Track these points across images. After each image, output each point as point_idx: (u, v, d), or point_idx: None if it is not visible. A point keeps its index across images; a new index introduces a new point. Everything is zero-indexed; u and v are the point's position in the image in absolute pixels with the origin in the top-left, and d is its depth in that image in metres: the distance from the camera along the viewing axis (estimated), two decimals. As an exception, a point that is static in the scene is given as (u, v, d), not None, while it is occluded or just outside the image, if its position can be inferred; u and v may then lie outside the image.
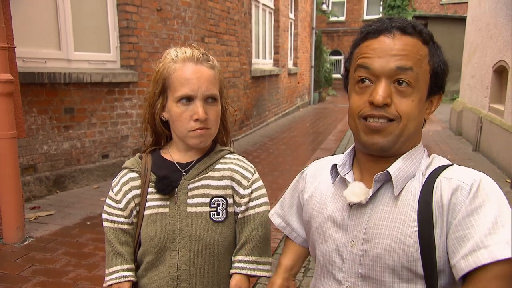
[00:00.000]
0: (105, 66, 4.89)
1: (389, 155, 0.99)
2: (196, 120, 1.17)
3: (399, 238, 0.92)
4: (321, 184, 1.13)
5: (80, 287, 2.64)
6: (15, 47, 3.27)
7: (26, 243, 3.23)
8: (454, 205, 0.88)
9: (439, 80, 0.97)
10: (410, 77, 0.91)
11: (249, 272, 1.24)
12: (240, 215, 1.25)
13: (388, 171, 0.96)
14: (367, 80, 0.95)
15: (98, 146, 4.79)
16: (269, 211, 1.30)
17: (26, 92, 3.85)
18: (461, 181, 0.89)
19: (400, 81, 0.92)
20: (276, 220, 1.28)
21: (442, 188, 0.91)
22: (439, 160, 1.01)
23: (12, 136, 3.13)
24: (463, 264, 0.83)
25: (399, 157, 0.98)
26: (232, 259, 1.25)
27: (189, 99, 1.18)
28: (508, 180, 5.21)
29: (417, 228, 0.90)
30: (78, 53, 4.59)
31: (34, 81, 3.96)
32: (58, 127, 4.33)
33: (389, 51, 0.92)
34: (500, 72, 6.53)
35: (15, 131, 3.16)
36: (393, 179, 0.95)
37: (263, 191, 1.30)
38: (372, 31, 0.97)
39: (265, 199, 1.29)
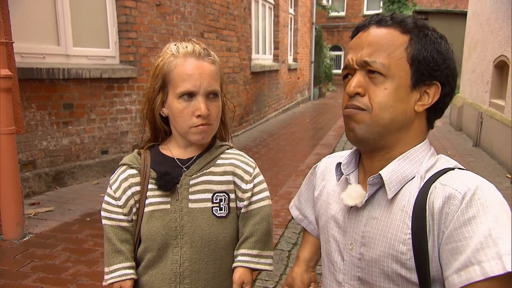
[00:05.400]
0: (104, 62, 4.87)
1: (376, 149, 0.97)
2: (198, 116, 1.16)
3: (393, 245, 0.90)
4: (329, 182, 1.12)
5: (80, 283, 2.63)
6: (13, 42, 3.25)
7: (25, 239, 3.22)
8: (446, 214, 0.84)
9: (424, 68, 0.93)
10: (378, 67, 0.92)
11: (252, 266, 1.23)
12: (243, 210, 1.25)
13: (380, 174, 0.94)
14: (350, 75, 0.99)
15: (97, 142, 4.78)
16: (270, 205, 1.30)
17: (24, 87, 3.83)
18: (454, 189, 0.85)
19: (372, 71, 0.93)
20: (294, 212, 1.31)
21: (436, 195, 0.87)
22: (444, 163, 0.96)
23: (11, 132, 3.11)
24: (456, 279, 0.80)
25: (391, 154, 0.96)
26: (235, 253, 1.25)
27: (190, 95, 1.16)
28: (508, 176, 5.21)
29: (410, 236, 0.88)
30: (77, 49, 4.57)
31: (32, 77, 3.95)
32: (57, 123, 4.32)
33: (361, 44, 0.96)
34: (500, 67, 6.51)
35: (14, 127, 3.15)
36: (385, 182, 0.93)
37: (265, 185, 1.30)
38: (354, 31, 1.01)
39: (267, 193, 1.29)
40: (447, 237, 0.83)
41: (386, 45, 0.93)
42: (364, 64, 0.94)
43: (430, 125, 1.01)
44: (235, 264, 1.23)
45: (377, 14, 0.99)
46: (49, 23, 4.30)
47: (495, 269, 0.76)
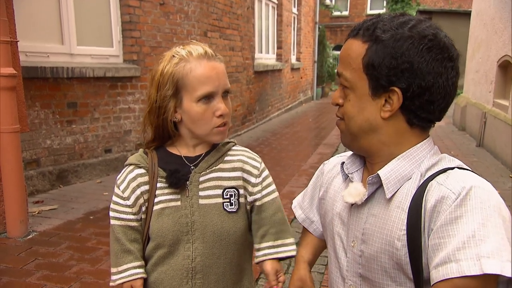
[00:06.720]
0: (107, 61, 4.88)
1: (363, 153, 1.02)
2: (219, 116, 1.19)
3: (389, 241, 0.91)
4: (336, 180, 1.14)
5: (83, 281, 2.65)
6: (18, 41, 3.27)
7: (29, 237, 3.24)
8: (438, 213, 0.85)
9: (379, 76, 0.91)
10: (343, 79, 0.98)
11: (280, 255, 1.27)
12: (257, 203, 1.27)
13: (378, 174, 0.94)
14: None
15: (101, 140, 4.80)
16: (278, 196, 1.33)
17: (29, 86, 3.85)
18: (449, 189, 0.85)
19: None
20: (297, 212, 1.32)
21: (432, 193, 0.87)
22: (446, 162, 0.95)
23: (15, 131, 3.13)
24: (434, 274, 0.82)
25: (382, 157, 0.97)
26: (257, 247, 1.28)
27: (209, 96, 1.18)
28: (511, 176, 5.19)
29: (405, 232, 0.88)
30: (81, 48, 4.58)
31: (37, 76, 3.96)
32: (61, 122, 4.34)
33: (340, 56, 1.02)
34: (504, 67, 6.49)
35: (18, 125, 3.16)
36: (383, 182, 0.94)
37: (271, 179, 1.34)
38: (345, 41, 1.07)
39: (274, 186, 1.33)
40: (433, 233, 0.85)
41: (349, 57, 0.96)
42: (340, 77, 1.00)
43: (420, 124, 0.95)
44: (262, 258, 1.26)
45: (357, 24, 0.99)
46: (53, 22, 4.31)
47: (472, 269, 0.77)
